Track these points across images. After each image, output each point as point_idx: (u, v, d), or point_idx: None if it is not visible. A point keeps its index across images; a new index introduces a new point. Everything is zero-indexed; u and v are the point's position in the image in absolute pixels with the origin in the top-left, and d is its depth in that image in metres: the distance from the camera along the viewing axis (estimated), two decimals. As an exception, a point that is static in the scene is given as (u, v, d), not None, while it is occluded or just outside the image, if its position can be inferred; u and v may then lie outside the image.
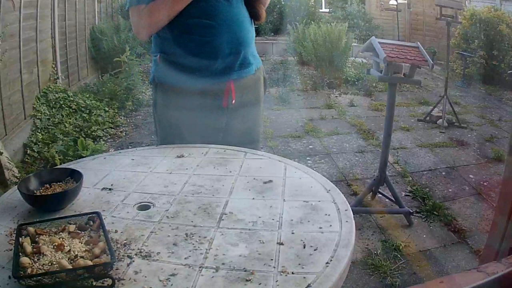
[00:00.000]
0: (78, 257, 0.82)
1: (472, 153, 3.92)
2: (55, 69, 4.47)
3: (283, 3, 9.17)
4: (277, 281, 0.80)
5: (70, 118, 4.14)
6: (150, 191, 1.14)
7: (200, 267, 0.84)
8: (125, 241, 0.92)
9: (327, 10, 10.58)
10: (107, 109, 4.65)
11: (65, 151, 3.44)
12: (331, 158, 3.74)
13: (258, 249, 0.90)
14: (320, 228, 0.97)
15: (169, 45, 1.47)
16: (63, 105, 4.22)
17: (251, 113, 1.62)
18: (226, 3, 1.41)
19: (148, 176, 1.24)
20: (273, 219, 1.01)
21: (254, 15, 1.52)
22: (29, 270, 0.77)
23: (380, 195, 2.85)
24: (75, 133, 3.91)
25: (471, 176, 3.42)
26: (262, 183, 1.18)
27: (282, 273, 0.82)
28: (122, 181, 1.20)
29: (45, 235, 0.89)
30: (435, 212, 2.81)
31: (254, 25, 1.56)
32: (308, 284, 0.78)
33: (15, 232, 0.90)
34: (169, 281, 0.80)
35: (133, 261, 0.86)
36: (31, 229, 0.89)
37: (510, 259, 0.82)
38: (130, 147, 3.71)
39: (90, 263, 0.80)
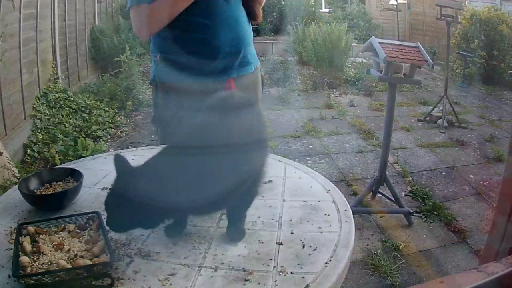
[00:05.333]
0: (78, 257, 0.82)
1: (472, 153, 3.91)
2: (55, 69, 4.47)
3: (283, 3, 9.17)
4: (276, 281, 0.80)
5: (70, 118, 4.15)
6: (149, 191, 1.14)
7: (199, 266, 0.84)
8: (124, 241, 0.92)
9: (327, 10, 10.56)
10: (107, 109, 4.66)
11: (65, 151, 3.44)
12: (331, 158, 3.74)
13: (257, 249, 0.90)
14: (320, 228, 0.97)
15: (169, 44, 1.48)
16: (63, 105, 4.22)
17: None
18: (225, 3, 1.42)
19: (148, 176, 1.23)
20: (272, 219, 1.01)
21: (251, 15, 1.53)
22: (28, 269, 0.78)
23: (380, 195, 2.84)
24: (75, 133, 3.91)
25: (471, 176, 3.42)
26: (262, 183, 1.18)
27: (281, 273, 0.82)
28: (122, 181, 1.20)
29: (45, 234, 0.89)
30: (435, 212, 2.81)
31: (252, 25, 1.57)
32: (307, 284, 0.78)
33: (15, 231, 0.90)
34: (168, 280, 0.80)
35: (133, 260, 0.86)
36: (31, 228, 0.89)
37: (510, 259, 0.82)
38: (130, 147, 3.71)
39: (89, 262, 0.80)
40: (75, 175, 1.15)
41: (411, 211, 2.72)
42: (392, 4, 8.83)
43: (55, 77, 4.45)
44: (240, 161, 0.87)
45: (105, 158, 1.33)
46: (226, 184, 0.85)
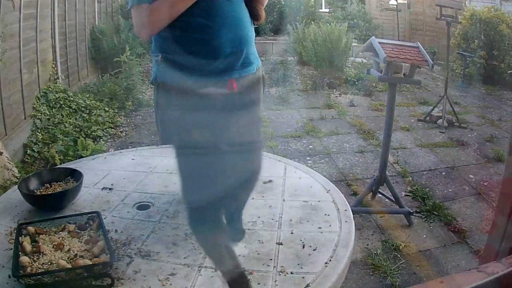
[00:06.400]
0: (78, 257, 0.82)
1: (472, 153, 3.91)
2: (55, 69, 4.47)
3: (283, 3, 9.17)
4: (276, 280, 0.80)
5: (70, 118, 4.14)
6: (150, 191, 1.14)
7: (199, 266, 0.84)
8: (124, 241, 0.92)
9: (327, 10, 10.56)
10: (107, 109, 4.66)
11: (65, 151, 3.44)
12: (331, 158, 3.74)
13: (257, 249, 0.90)
14: (320, 228, 0.97)
15: (171, 45, 1.47)
16: (63, 105, 4.22)
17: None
18: (227, 2, 1.42)
19: (148, 175, 1.24)
20: (272, 219, 1.01)
21: (254, 15, 1.52)
22: (28, 269, 0.78)
23: (380, 195, 2.84)
24: (75, 133, 3.91)
25: (471, 176, 3.42)
26: (262, 183, 1.18)
27: (281, 273, 0.82)
28: (122, 181, 1.20)
29: (45, 234, 0.89)
30: (435, 212, 2.81)
31: (254, 25, 1.56)
32: (307, 284, 0.78)
33: (15, 231, 0.90)
34: (168, 280, 0.80)
35: (133, 260, 0.86)
36: (31, 228, 0.89)
37: (510, 259, 0.82)
38: (130, 147, 3.71)
39: (89, 262, 0.80)
40: (75, 175, 1.15)
41: (411, 211, 2.72)
42: (392, 4, 8.83)
43: (55, 77, 4.45)
44: (238, 162, 0.87)
45: (105, 158, 1.33)
46: (222, 185, 0.85)
